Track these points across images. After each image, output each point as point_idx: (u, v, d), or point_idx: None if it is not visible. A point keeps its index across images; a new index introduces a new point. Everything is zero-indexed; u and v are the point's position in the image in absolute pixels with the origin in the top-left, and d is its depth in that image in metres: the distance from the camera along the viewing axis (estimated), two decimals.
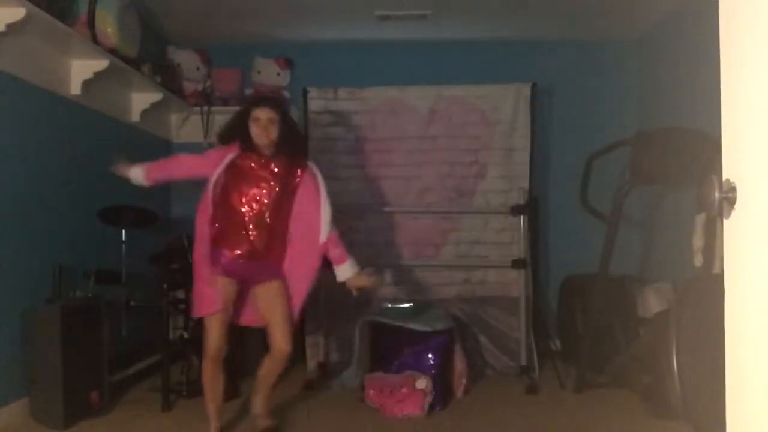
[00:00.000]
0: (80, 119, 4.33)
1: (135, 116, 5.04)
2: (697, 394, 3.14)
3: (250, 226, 3.30)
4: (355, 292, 3.50)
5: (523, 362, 4.63)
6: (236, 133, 3.36)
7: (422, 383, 3.82)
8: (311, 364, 4.75)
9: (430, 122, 5.08)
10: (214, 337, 3.26)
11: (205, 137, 5.73)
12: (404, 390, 3.83)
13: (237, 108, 5.63)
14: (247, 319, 3.49)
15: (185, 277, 4.14)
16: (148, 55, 4.98)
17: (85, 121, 4.39)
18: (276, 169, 3.35)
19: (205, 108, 5.66)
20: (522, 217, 4.78)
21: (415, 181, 5.05)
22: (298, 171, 3.41)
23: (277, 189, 3.33)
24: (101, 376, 3.75)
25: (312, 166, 3.49)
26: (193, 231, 3.43)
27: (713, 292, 1.69)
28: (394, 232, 5.05)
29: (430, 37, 5.61)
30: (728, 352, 1.41)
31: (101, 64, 4.20)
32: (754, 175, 1.29)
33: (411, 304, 4.51)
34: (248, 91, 5.73)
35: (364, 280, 3.50)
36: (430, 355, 4.08)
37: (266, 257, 3.34)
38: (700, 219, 3.84)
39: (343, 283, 3.47)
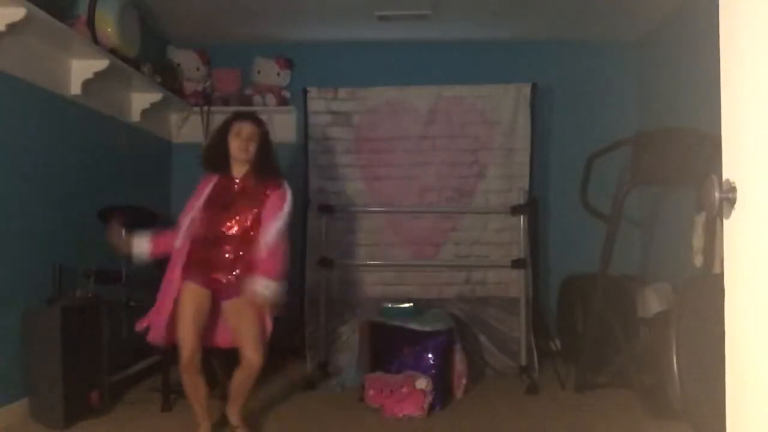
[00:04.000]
0: (80, 119, 4.32)
1: (135, 116, 5.04)
2: (697, 394, 3.14)
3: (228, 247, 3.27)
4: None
5: (523, 362, 4.63)
6: (217, 150, 3.35)
7: (422, 383, 3.82)
8: (311, 364, 4.75)
9: (430, 122, 5.09)
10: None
11: (205, 137, 5.74)
12: (404, 390, 3.83)
13: (237, 108, 5.71)
14: (221, 338, 3.39)
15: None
16: (148, 55, 4.98)
17: (85, 121, 4.39)
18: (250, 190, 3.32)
19: (205, 108, 5.66)
20: (522, 217, 4.79)
21: (415, 181, 5.06)
22: (269, 189, 3.33)
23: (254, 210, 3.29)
24: (101, 376, 3.74)
25: (285, 186, 3.37)
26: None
27: (713, 292, 1.69)
28: (394, 232, 5.06)
29: (430, 37, 5.61)
30: (728, 352, 1.41)
31: (101, 64, 4.20)
32: (754, 175, 1.29)
33: (411, 304, 4.51)
34: (248, 91, 5.74)
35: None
36: (430, 355, 4.09)
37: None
38: (700, 219, 3.84)
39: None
